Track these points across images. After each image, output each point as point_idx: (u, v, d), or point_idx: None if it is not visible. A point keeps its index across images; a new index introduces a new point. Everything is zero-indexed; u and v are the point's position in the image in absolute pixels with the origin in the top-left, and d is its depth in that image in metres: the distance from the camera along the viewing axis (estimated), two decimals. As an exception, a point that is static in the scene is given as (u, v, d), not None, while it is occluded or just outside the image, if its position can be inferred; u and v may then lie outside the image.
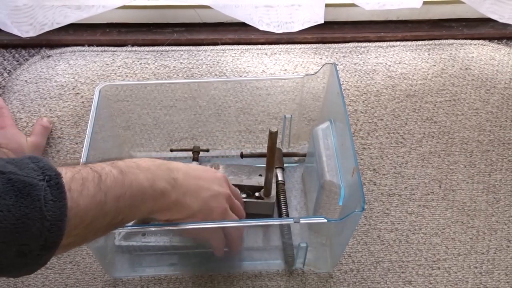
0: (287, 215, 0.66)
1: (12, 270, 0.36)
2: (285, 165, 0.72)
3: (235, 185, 0.65)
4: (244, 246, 0.64)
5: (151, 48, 0.88)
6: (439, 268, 0.66)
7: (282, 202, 0.67)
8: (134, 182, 0.44)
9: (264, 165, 0.62)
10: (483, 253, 0.67)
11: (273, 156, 0.58)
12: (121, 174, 0.43)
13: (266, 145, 0.76)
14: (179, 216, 0.50)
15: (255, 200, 0.65)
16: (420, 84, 0.84)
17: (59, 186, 0.37)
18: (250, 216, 0.65)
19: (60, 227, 0.36)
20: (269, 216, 0.67)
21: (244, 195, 0.65)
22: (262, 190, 0.65)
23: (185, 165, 0.53)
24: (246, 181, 0.66)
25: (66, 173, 0.38)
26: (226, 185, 0.56)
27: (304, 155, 0.73)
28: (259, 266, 0.65)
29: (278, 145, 0.74)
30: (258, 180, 0.67)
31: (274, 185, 0.66)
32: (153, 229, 0.61)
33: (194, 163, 0.71)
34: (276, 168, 0.69)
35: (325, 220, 0.52)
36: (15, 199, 0.34)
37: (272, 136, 0.55)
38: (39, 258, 0.36)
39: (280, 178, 0.69)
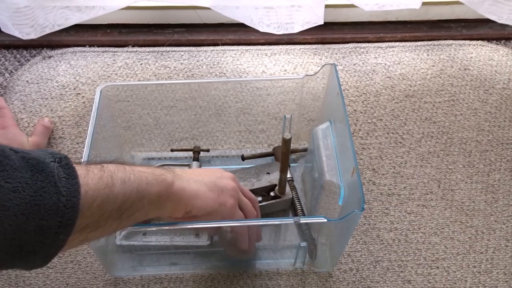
0: (302, 211, 0.67)
1: (30, 250, 0.36)
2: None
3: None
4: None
5: (151, 48, 0.88)
6: (438, 267, 0.66)
7: (295, 199, 0.68)
8: (135, 169, 0.45)
9: (266, 162, 0.64)
10: (481, 253, 0.68)
11: (287, 160, 0.61)
12: (122, 165, 0.45)
13: (266, 145, 0.77)
14: (195, 202, 0.50)
15: (273, 201, 0.67)
16: (419, 84, 0.84)
17: (69, 166, 0.38)
18: (269, 215, 0.68)
19: (75, 203, 0.37)
20: (286, 210, 0.69)
21: (260, 198, 0.67)
22: (276, 188, 0.67)
23: (191, 169, 0.55)
24: (258, 184, 0.67)
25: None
26: (234, 180, 0.56)
27: (305, 150, 0.74)
28: (259, 266, 0.66)
29: (278, 144, 0.75)
30: (268, 179, 0.68)
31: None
32: (153, 228, 0.61)
33: (195, 163, 0.72)
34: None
35: (325, 220, 0.52)
36: (30, 173, 0.35)
37: (286, 142, 0.57)
38: (56, 236, 0.36)
39: (288, 176, 0.70)
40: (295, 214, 0.68)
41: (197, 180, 0.51)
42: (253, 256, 0.65)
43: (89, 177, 0.40)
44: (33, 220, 0.35)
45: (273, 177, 0.68)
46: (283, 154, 0.60)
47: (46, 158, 0.37)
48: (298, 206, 0.68)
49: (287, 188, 0.67)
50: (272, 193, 0.67)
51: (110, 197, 0.41)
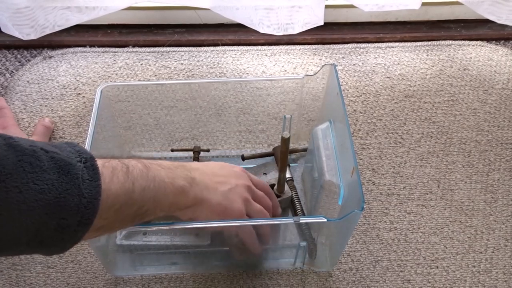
0: (302, 211, 0.67)
1: (49, 244, 0.39)
2: (285, 165, 0.73)
3: None
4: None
5: (152, 49, 0.88)
6: (437, 267, 0.66)
7: (295, 199, 0.68)
8: (157, 177, 0.46)
9: (265, 161, 0.66)
10: (481, 252, 0.68)
11: (286, 159, 0.62)
12: (146, 168, 0.46)
13: (266, 145, 0.77)
14: (200, 212, 0.52)
15: None
16: (419, 84, 0.85)
17: (94, 168, 0.40)
18: None
19: (95, 205, 0.39)
20: (286, 209, 0.69)
21: None
22: (275, 187, 0.67)
23: (202, 165, 0.55)
24: None
25: (97, 161, 0.41)
26: (245, 177, 0.57)
27: (305, 150, 0.74)
28: (259, 265, 0.66)
29: (278, 144, 0.75)
30: (265, 180, 0.68)
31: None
32: (154, 228, 0.61)
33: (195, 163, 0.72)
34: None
35: (325, 220, 0.52)
36: (57, 175, 0.37)
37: (285, 141, 0.58)
38: (74, 234, 0.39)
39: (288, 175, 0.70)
40: (295, 214, 0.68)
41: (210, 191, 0.52)
42: (260, 257, 0.65)
43: (113, 182, 0.41)
44: (55, 218, 0.37)
45: (271, 177, 0.69)
46: (282, 153, 0.60)
47: (73, 158, 0.39)
48: (297, 206, 0.68)
49: (286, 187, 0.68)
50: None
51: (128, 203, 0.43)
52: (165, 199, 0.48)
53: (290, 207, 0.70)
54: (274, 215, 0.61)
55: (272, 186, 0.68)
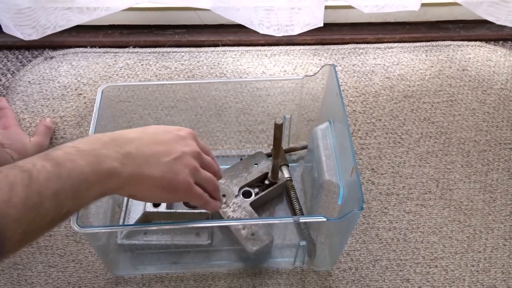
0: (301, 211, 0.68)
1: None
2: (285, 164, 0.74)
3: (244, 186, 0.67)
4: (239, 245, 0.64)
5: (152, 49, 0.89)
6: (436, 266, 0.67)
7: (293, 199, 0.69)
8: (73, 171, 0.40)
9: (251, 153, 0.68)
10: (480, 252, 0.68)
11: (279, 146, 0.62)
12: (56, 167, 0.39)
13: (266, 145, 0.77)
14: (141, 188, 0.46)
15: (270, 189, 0.68)
16: (418, 85, 0.85)
17: None
18: (267, 203, 0.70)
19: None
20: (281, 195, 0.71)
21: (256, 190, 0.68)
22: (269, 175, 0.68)
23: (140, 132, 0.48)
24: (250, 177, 0.68)
25: None
26: (193, 142, 0.51)
27: (305, 147, 0.74)
28: (259, 265, 0.66)
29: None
30: (258, 170, 0.69)
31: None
32: (154, 228, 0.62)
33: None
34: (281, 165, 0.71)
35: (325, 219, 0.53)
36: None
37: (279, 127, 0.59)
38: None
39: (287, 175, 0.70)
40: (294, 214, 0.68)
41: (151, 164, 0.46)
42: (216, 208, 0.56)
43: (11, 204, 0.35)
44: None
45: (262, 166, 0.70)
46: (276, 140, 0.61)
47: None
48: (296, 206, 0.68)
49: (279, 173, 0.69)
50: (266, 181, 0.69)
51: (38, 218, 0.37)
52: (89, 192, 0.41)
53: (284, 193, 0.71)
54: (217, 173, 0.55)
55: (265, 174, 0.68)
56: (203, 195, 0.51)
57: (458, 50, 0.90)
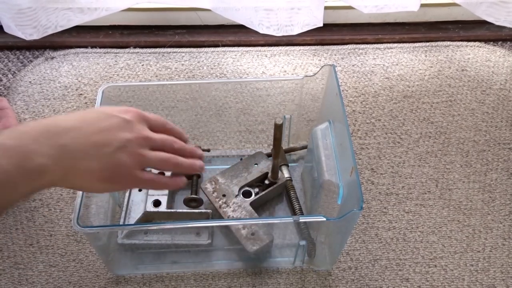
0: (301, 210, 0.68)
1: None
2: (285, 164, 0.74)
3: (244, 186, 0.67)
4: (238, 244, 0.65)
5: (153, 50, 0.89)
6: (435, 266, 0.67)
7: (293, 198, 0.69)
8: None
9: (251, 153, 0.68)
10: (479, 251, 0.68)
11: (279, 146, 0.62)
12: None
13: (266, 145, 0.77)
14: (80, 183, 0.43)
15: (271, 188, 0.68)
16: (417, 85, 0.85)
17: None
18: (268, 203, 0.70)
19: None
20: (281, 194, 0.71)
21: (256, 190, 0.68)
22: (269, 175, 0.68)
23: (80, 119, 0.43)
24: (250, 177, 0.68)
25: None
26: (139, 126, 0.46)
27: (305, 147, 0.75)
28: (259, 264, 0.66)
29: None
30: (258, 170, 0.69)
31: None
32: (155, 227, 0.62)
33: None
34: (281, 165, 0.72)
35: (324, 219, 0.53)
36: None
37: (278, 127, 0.59)
38: None
39: (287, 175, 0.71)
40: (294, 214, 0.69)
41: (89, 157, 0.42)
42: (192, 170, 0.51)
43: None
44: None
45: (262, 166, 0.70)
46: (276, 140, 0.61)
47: None
48: (296, 206, 0.69)
49: (279, 173, 0.69)
50: (266, 181, 0.69)
51: None
52: (16, 192, 0.38)
53: (284, 193, 0.71)
54: (181, 146, 0.50)
55: (265, 174, 0.69)
56: (155, 179, 0.47)
57: (457, 51, 0.90)
